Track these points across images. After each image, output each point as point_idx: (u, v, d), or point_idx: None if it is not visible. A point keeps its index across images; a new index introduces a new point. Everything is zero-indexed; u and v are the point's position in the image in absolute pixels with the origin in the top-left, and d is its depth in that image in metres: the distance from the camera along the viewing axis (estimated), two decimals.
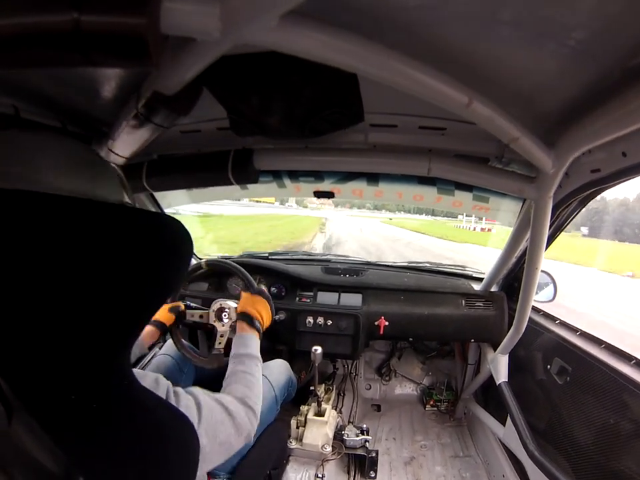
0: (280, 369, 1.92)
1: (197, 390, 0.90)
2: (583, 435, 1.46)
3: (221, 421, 0.89)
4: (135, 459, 0.63)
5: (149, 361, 2.33)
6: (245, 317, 1.46)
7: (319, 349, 1.86)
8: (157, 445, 0.66)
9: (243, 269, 1.83)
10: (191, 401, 0.83)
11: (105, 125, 1.36)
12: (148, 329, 1.64)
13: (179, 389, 0.84)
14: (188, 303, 2.11)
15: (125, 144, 1.28)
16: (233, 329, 1.82)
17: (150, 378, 0.81)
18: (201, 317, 1.90)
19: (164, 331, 1.73)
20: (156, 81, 0.97)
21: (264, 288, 1.68)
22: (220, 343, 1.84)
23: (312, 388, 2.11)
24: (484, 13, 0.74)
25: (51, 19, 0.56)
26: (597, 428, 1.38)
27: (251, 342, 1.33)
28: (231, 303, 1.90)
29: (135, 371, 0.79)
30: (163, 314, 1.72)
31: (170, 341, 1.93)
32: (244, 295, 1.59)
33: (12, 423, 0.56)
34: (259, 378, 1.19)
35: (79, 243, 0.53)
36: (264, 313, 1.53)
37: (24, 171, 0.57)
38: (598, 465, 1.35)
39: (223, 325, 1.86)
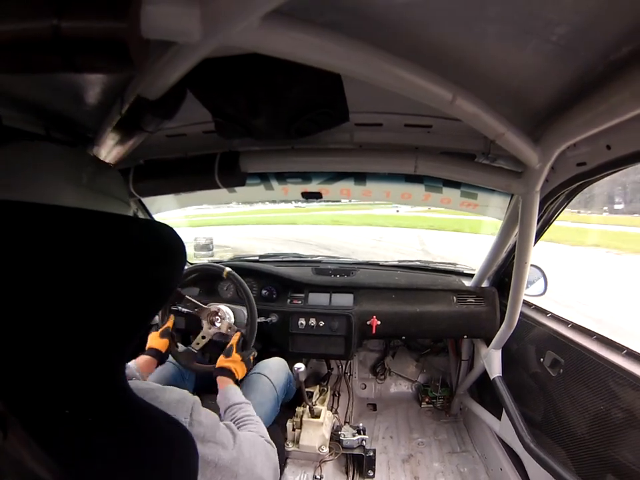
0: (279, 367, 1.92)
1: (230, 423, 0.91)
2: (578, 425, 1.47)
3: (256, 454, 0.93)
4: (132, 471, 0.62)
5: None
6: (224, 372, 1.58)
7: (302, 367, 1.86)
8: (155, 457, 0.65)
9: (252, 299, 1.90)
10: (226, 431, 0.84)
11: (89, 130, 1.35)
12: (144, 359, 1.66)
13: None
14: (179, 308, 2.11)
15: (110, 150, 1.27)
16: (218, 335, 1.85)
17: (176, 393, 0.79)
18: (195, 308, 1.91)
19: (161, 358, 1.74)
20: (139, 86, 0.96)
21: (251, 357, 1.76)
22: (198, 344, 1.87)
23: (302, 405, 2.12)
24: (469, 10, 0.74)
25: (30, 26, 0.55)
26: (592, 418, 1.39)
27: (234, 393, 1.43)
28: (227, 310, 1.91)
29: (162, 387, 0.78)
30: (155, 341, 1.73)
31: None
32: (234, 355, 1.69)
33: (7, 435, 0.55)
34: (259, 419, 1.28)
35: (71, 253, 0.52)
36: (239, 369, 1.64)
37: (23, 183, 0.57)
38: (594, 453, 1.36)
39: (210, 328, 1.87)
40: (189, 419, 0.74)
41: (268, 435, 1.15)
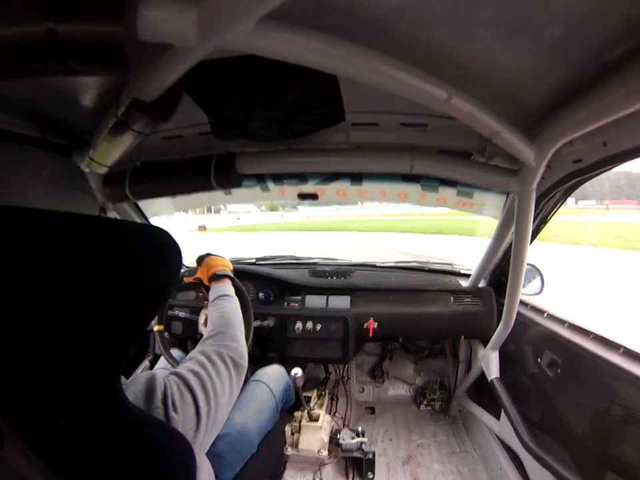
0: (277, 374, 1.90)
1: (178, 369, 0.86)
2: (577, 424, 1.47)
3: (214, 382, 0.86)
4: (128, 479, 0.62)
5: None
6: (213, 277, 1.45)
7: (299, 373, 1.86)
8: (151, 465, 0.65)
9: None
10: (186, 393, 0.78)
11: (85, 133, 1.35)
12: None
13: (168, 384, 0.78)
14: (176, 312, 2.10)
15: (107, 152, 1.27)
16: None
17: (141, 384, 0.75)
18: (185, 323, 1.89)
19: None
20: (135, 88, 0.96)
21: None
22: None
23: (300, 410, 2.12)
24: (462, 11, 0.75)
25: (27, 30, 0.55)
26: (590, 416, 1.39)
27: (225, 287, 1.38)
28: None
29: (131, 379, 0.77)
30: None
31: (163, 357, 1.92)
32: (199, 269, 1.57)
33: (5, 445, 0.54)
34: (235, 307, 1.26)
35: (61, 260, 0.52)
36: (222, 262, 1.54)
37: (6, 187, 0.56)
38: (593, 451, 1.36)
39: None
40: (163, 407, 0.72)
41: (231, 326, 1.13)
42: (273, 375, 1.89)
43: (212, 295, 1.34)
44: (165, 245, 0.66)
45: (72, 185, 0.69)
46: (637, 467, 1.18)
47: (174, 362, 1.83)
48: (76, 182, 0.70)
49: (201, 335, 1.65)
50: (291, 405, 2.01)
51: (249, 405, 1.62)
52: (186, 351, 2.53)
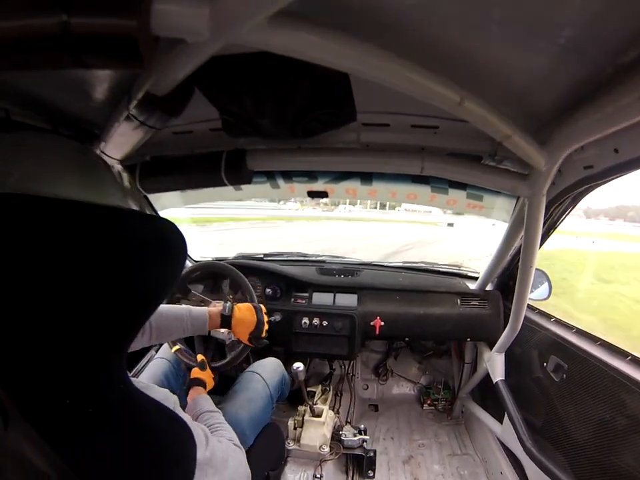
0: (273, 366, 1.91)
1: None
2: (579, 431, 1.46)
3: (227, 458, 0.88)
4: (132, 462, 0.62)
5: (145, 364, 2.33)
6: (199, 382, 1.53)
7: (300, 367, 1.87)
8: (155, 449, 0.65)
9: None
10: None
11: (96, 126, 1.35)
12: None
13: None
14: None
15: (117, 146, 1.27)
16: (219, 333, 1.82)
17: (159, 392, 0.78)
18: (202, 302, 1.91)
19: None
20: (147, 82, 0.96)
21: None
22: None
23: (303, 405, 2.13)
24: (475, 13, 0.74)
25: (40, 22, 0.56)
26: (594, 424, 1.38)
27: (208, 400, 1.38)
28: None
29: (146, 384, 0.78)
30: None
31: (166, 345, 1.92)
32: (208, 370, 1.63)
33: (8, 427, 0.55)
34: (229, 426, 1.22)
35: (71, 246, 0.52)
36: (208, 382, 1.59)
37: (22, 174, 0.56)
38: (595, 460, 1.35)
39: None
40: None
41: (238, 440, 1.11)
42: (268, 366, 1.90)
43: (195, 407, 1.34)
44: (171, 236, 0.65)
45: (98, 176, 0.69)
46: (638, 478, 1.17)
47: (186, 358, 1.84)
48: (102, 173, 0.70)
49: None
50: (285, 397, 2.02)
51: (241, 395, 1.65)
52: (192, 344, 2.55)
